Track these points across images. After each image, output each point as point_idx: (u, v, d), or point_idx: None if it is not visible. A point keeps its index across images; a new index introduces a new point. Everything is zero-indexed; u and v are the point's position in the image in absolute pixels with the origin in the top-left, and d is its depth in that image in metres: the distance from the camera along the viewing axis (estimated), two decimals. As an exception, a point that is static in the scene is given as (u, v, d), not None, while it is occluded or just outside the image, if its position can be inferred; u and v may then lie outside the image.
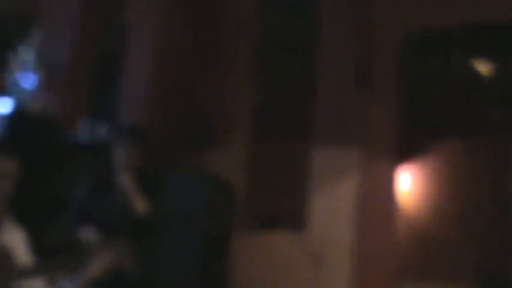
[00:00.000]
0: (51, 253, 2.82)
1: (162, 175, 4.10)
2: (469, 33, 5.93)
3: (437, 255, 6.98)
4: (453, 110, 6.72)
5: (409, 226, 7.15)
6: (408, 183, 7.54)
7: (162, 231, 3.79)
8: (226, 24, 6.23)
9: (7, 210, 2.87)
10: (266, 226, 6.21)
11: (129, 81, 5.84)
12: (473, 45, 6.23)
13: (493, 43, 6.16)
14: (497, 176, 7.16)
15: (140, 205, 3.67)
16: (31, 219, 3.25)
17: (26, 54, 6.02)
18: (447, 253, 6.98)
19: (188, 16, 5.99)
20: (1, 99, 5.95)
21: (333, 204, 5.40)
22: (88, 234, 3.45)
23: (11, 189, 2.78)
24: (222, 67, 6.05)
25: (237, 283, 5.34)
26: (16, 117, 5.61)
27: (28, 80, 5.97)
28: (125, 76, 6.04)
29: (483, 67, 6.68)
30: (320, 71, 5.76)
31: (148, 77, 5.61)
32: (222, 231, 4.80)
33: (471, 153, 7.09)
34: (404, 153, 6.02)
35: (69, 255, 2.76)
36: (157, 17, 5.76)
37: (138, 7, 5.91)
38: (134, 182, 3.72)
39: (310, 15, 6.05)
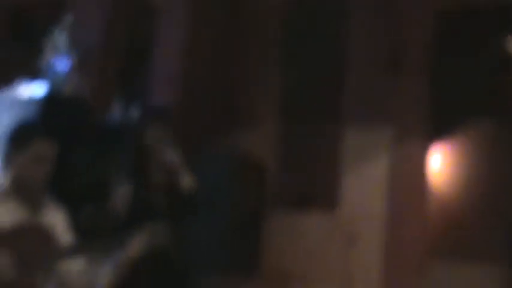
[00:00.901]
0: (90, 234, 2.88)
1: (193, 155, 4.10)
2: (502, 13, 5.85)
3: (469, 235, 6.95)
4: (485, 90, 6.65)
5: (440, 205, 7.10)
6: (440, 162, 7.49)
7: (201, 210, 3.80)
8: (254, 4, 6.23)
9: (46, 192, 2.93)
10: (298, 205, 6.23)
11: (159, 63, 5.89)
12: (507, 25, 6.14)
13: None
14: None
15: (187, 181, 3.66)
16: (68, 200, 3.32)
17: (59, 38, 6.10)
18: (478, 233, 6.95)
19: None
20: (35, 83, 6.04)
21: (365, 184, 5.41)
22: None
23: (49, 172, 2.84)
24: (252, 46, 6.06)
25: (269, 262, 5.39)
26: (50, 100, 5.70)
27: (61, 64, 6.05)
28: (155, 57, 6.09)
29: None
30: (350, 50, 5.74)
31: (178, 57, 5.65)
32: (253, 211, 4.83)
33: (503, 134, 7.02)
34: (436, 133, 5.98)
35: (108, 236, 2.81)
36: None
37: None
38: (181, 158, 3.69)
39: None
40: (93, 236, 2.82)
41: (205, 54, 5.88)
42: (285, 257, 5.60)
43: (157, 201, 3.63)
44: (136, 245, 2.83)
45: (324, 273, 5.41)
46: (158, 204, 3.63)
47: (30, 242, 2.70)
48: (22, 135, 2.85)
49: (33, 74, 6.24)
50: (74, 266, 2.88)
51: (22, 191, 2.82)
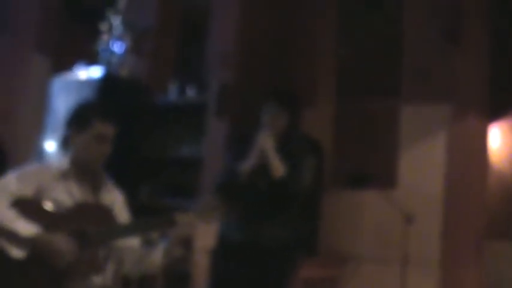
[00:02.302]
0: (147, 213, 2.91)
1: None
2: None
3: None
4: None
5: (499, 183, 6.97)
6: (499, 139, 7.33)
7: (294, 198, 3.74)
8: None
9: (105, 172, 2.98)
10: (355, 184, 6.19)
11: (215, 42, 5.90)
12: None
13: None
14: None
15: (277, 168, 3.56)
16: (125, 180, 3.36)
17: (114, 20, 6.18)
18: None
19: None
20: (93, 65, 6.14)
21: (422, 162, 5.32)
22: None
23: (109, 152, 2.88)
24: (307, 25, 6.01)
25: (326, 242, 5.38)
26: (107, 82, 5.79)
27: (117, 46, 6.13)
28: (211, 36, 6.11)
29: None
30: (406, 25, 5.63)
31: (234, 36, 5.64)
32: (311, 191, 4.81)
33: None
34: (495, 109, 5.84)
35: (164, 215, 2.83)
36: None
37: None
38: (275, 143, 3.59)
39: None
40: (149, 215, 2.83)
41: (262, 32, 5.87)
42: (342, 237, 5.58)
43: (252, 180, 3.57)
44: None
45: (381, 253, 5.38)
46: (251, 184, 3.58)
47: (90, 221, 2.75)
48: (82, 115, 2.90)
49: (91, 56, 6.35)
50: (133, 245, 2.93)
51: (82, 170, 2.87)
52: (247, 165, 3.54)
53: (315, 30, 6.04)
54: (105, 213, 2.83)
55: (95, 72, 5.84)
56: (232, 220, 3.58)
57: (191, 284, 5.29)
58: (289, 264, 3.79)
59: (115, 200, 2.98)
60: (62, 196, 2.78)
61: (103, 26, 6.26)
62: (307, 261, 4.96)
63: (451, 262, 5.14)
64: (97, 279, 2.81)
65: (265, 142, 3.54)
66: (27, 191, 2.73)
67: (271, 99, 3.71)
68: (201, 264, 5.21)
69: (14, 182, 2.73)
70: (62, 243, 2.63)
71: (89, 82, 5.75)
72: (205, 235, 4.35)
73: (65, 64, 7.50)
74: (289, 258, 3.78)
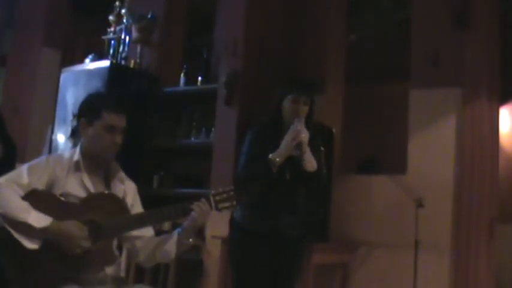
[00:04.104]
0: (159, 203, 2.92)
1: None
2: None
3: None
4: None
5: (510, 167, 6.96)
6: (509, 122, 7.31)
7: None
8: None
9: (117, 162, 2.99)
10: (365, 170, 6.20)
11: (223, 31, 5.90)
12: None
13: None
14: None
15: (312, 162, 3.53)
16: (136, 170, 3.36)
17: (123, 11, 6.18)
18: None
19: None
20: (102, 56, 6.16)
21: (432, 145, 5.30)
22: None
23: (120, 142, 2.89)
24: (316, 12, 5.98)
25: (337, 227, 5.39)
26: (115, 72, 5.79)
27: (125, 36, 6.14)
28: (219, 25, 6.10)
29: None
30: (415, 9, 5.61)
31: (243, 25, 5.63)
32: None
33: None
34: (505, 92, 5.81)
35: (179, 205, 2.84)
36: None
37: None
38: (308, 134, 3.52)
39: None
40: (160, 205, 2.84)
41: (270, 20, 5.85)
42: (353, 222, 5.59)
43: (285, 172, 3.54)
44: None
45: (392, 238, 5.39)
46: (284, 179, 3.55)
47: (102, 212, 2.76)
48: (93, 107, 2.90)
49: (99, 48, 6.37)
50: (146, 235, 2.95)
51: (94, 162, 2.89)
52: (281, 156, 3.46)
53: (324, 16, 6.01)
54: (117, 204, 2.84)
55: (104, 63, 5.85)
56: (253, 210, 3.60)
57: (204, 272, 5.33)
58: (304, 251, 3.84)
59: (127, 190, 2.99)
60: (74, 187, 2.80)
61: (111, 18, 6.27)
62: (318, 247, 4.99)
63: (462, 246, 5.14)
64: (110, 270, 2.84)
65: (305, 134, 3.48)
66: (39, 183, 2.75)
67: (298, 87, 3.65)
68: (213, 253, 5.25)
69: (26, 175, 2.74)
70: (76, 229, 2.65)
71: (98, 73, 5.76)
72: (217, 224, 4.38)
73: (74, 56, 7.54)
74: (304, 244, 3.84)
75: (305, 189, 3.68)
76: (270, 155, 3.45)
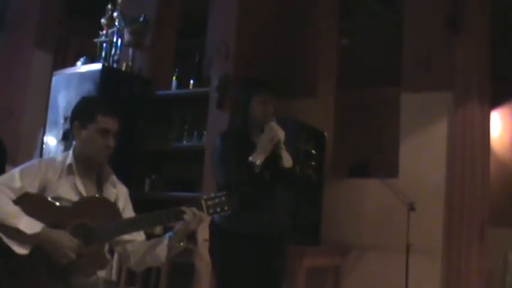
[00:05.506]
0: (151, 206, 2.92)
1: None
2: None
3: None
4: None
5: (501, 169, 6.98)
6: (500, 126, 7.33)
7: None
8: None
9: (109, 165, 2.99)
10: (357, 173, 6.20)
11: (214, 34, 5.89)
12: None
13: None
14: None
15: (288, 159, 3.55)
16: (128, 174, 3.35)
17: (115, 14, 6.17)
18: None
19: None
20: (93, 59, 6.14)
21: (423, 149, 5.33)
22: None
23: (113, 145, 2.88)
24: (307, 15, 6.00)
25: (329, 230, 5.40)
26: (107, 75, 5.78)
27: (117, 39, 6.13)
28: (210, 29, 6.10)
29: None
30: (407, 13, 5.63)
31: (234, 28, 5.62)
32: (313, 179, 4.82)
33: None
34: (496, 96, 5.83)
35: (171, 209, 2.83)
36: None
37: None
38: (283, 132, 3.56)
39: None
40: (153, 209, 2.83)
41: (261, 23, 5.86)
42: (344, 226, 5.60)
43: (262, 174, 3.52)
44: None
45: (383, 241, 5.40)
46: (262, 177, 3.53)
47: (94, 215, 2.75)
48: (85, 110, 2.90)
49: (91, 51, 6.35)
50: (137, 239, 2.94)
51: (86, 165, 2.88)
52: (261, 157, 3.46)
53: (316, 19, 6.03)
54: (109, 208, 2.83)
55: (96, 66, 5.84)
56: (237, 212, 3.58)
57: (195, 275, 5.32)
58: (288, 251, 3.82)
59: (119, 194, 2.98)
60: (66, 191, 2.79)
61: (103, 20, 6.26)
62: (310, 251, 4.99)
63: (453, 250, 5.15)
64: (102, 274, 2.83)
65: (281, 133, 3.51)
66: (32, 186, 2.74)
67: (265, 88, 3.67)
68: (205, 256, 5.24)
69: (18, 178, 2.73)
70: (65, 239, 2.64)
71: (90, 76, 5.75)
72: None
73: (65, 59, 7.52)
74: (286, 243, 3.81)
75: (281, 185, 3.66)
76: (250, 158, 3.45)
